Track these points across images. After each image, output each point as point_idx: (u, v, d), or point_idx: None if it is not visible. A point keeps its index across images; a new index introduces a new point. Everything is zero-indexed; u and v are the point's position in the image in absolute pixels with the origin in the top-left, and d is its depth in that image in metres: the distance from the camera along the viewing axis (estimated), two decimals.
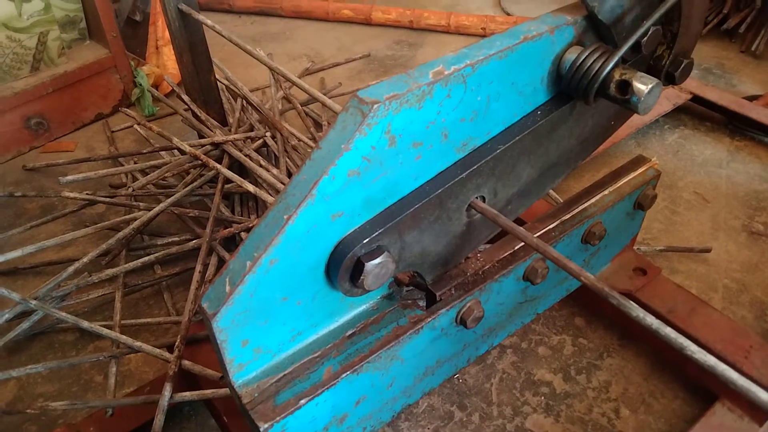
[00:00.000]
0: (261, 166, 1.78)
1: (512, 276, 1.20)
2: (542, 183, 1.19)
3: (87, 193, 1.89)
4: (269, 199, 1.64)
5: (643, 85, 0.93)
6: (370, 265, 0.91)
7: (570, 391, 1.47)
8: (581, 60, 0.97)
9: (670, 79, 1.16)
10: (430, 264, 1.08)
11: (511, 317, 1.32)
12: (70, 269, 1.63)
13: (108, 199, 1.89)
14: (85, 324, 1.47)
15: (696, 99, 2.36)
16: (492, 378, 1.51)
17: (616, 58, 0.95)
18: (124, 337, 1.46)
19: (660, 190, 2.05)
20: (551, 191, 1.83)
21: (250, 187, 1.65)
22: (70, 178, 1.75)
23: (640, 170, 1.41)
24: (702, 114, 2.42)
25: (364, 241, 0.91)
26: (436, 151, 0.95)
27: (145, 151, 2.06)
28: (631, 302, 0.82)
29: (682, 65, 1.13)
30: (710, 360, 0.75)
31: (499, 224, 1.00)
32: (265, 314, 0.90)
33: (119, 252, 1.79)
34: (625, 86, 0.95)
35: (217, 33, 1.68)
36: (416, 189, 0.97)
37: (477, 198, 1.05)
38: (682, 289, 1.50)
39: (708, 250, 1.81)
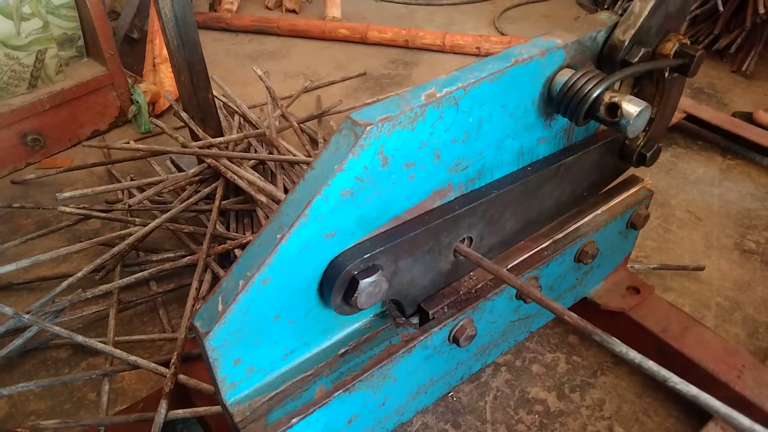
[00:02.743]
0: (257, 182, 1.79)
1: (505, 295, 1.21)
2: (519, 237, 1.24)
3: (83, 207, 1.90)
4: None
5: (632, 108, 0.95)
6: (365, 282, 0.92)
7: (564, 409, 1.47)
8: (572, 82, 0.99)
9: (641, 160, 1.22)
10: (413, 297, 1.09)
11: (504, 335, 1.33)
12: (64, 284, 1.63)
13: (103, 214, 1.90)
14: (80, 338, 1.47)
15: (690, 118, 2.39)
16: (486, 396, 1.51)
17: (609, 82, 0.97)
18: (118, 351, 1.46)
19: (653, 208, 2.06)
20: None
21: (263, 198, 1.67)
22: (67, 194, 1.75)
23: (632, 190, 1.42)
24: (694, 133, 2.44)
25: (363, 257, 0.92)
26: (428, 171, 0.96)
27: (140, 155, 2.06)
28: (614, 338, 0.83)
29: (654, 148, 1.19)
30: (692, 390, 0.76)
31: (483, 267, 1.02)
32: (258, 333, 0.90)
33: (113, 267, 1.79)
34: (615, 109, 0.96)
35: None
36: (416, 217, 1.00)
37: (466, 238, 1.08)
38: (675, 307, 1.51)
39: (701, 269, 1.82)
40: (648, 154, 1.23)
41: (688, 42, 1.13)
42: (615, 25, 1.08)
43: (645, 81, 1.22)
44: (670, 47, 1.12)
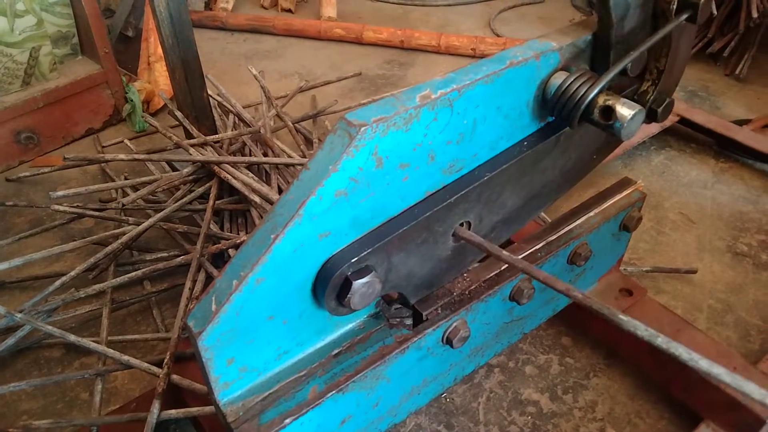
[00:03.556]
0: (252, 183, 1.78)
1: (498, 296, 1.21)
2: (525, 212, 1.21)
3: (77, 205, 1.89)
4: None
5: (626, 111, 0.95)
6: (358, 284, 0.92)
7: (557, 410, 1.48)
8: (566, 85, 0.99)
9: (652, 115, 1.19)
10: (415, 286, 1.09)
11: (497, 337, 1.33)
12: (57, 283, 1.63)
13: (97, 213, 1.89)
14: (72, 338, 1.46)
15: (683, 121, 2.40)
16: (479, 397, 1.51)
17: (601, 84, 0.97)
18: (111, 350, 1.45)
19: (646, 211, 2.07)
20: None
21: (256, 198, 1.67)
22: (60, 193, 1.75)
23: (625, 192, 1.43)
24: (688, 135, 2.45)
25: (352, 260, 0.92)
26: (423, 173, 0.96)
27: (138, 158, 2.06)
28: (623, 314, 0.81)
29: (665, 103, 1.16)
30: (703, 364, 0.75)
31: (484, 249, 1.01)
32: (251, 333, 0.90)
33: (107, 267, 1.79)
34: (609, 112, 0.97)
35: None
36: (405, 211, 0.99)
37: (463, 223, 1.06)
38: (667, 310, 1.52)
39: (694, 272, 1.83)
40: (659, 110, 1.17)
41: None
42: None
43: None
44: None
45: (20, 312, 1.55)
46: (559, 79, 1.01)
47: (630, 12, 1.04)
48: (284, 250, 0.85)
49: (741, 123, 2.44)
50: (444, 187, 1.03)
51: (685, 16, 1.05)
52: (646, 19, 1.09)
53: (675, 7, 1.06)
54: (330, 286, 0.91)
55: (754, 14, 2.75)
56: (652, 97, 1.18)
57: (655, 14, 1.10)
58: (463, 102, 0.93)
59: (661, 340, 0.78)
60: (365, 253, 0.93)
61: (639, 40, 1.08)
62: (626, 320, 0.81)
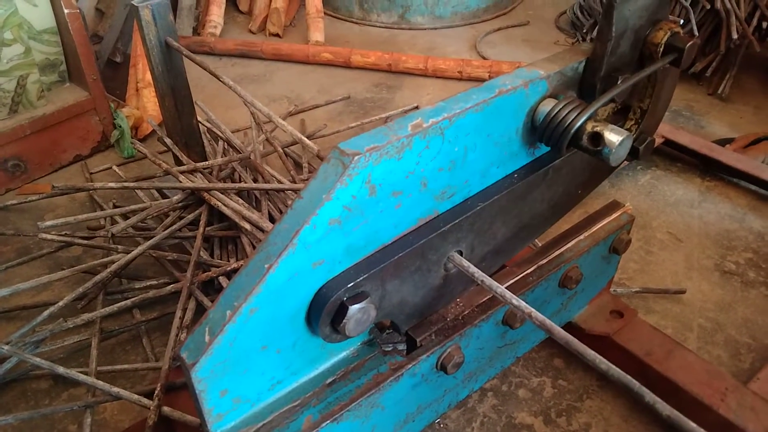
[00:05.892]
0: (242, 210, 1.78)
1: (491, 321, 1.22)
2: (514, 243, 1.23)
3: (65, 234, 1.87)
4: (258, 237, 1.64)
5: (614, 137, 0.96)
6: (354, 308, 0.92)
7: None
8: (555, 112, 1.01)
9: (634, 153, 1.23)
10: (407, 315, 1.09)
11: (491, 361, 1.33)
12: (45, 313, 1.61)
13: (85, 241, 1.88)
14: (61, 369, 1.44)
15: (668, 142, 2.44)
16: (473, 422, 1.50)
17: (590, 111, 0.99)
18: (100, 382, 1.43)
19: (634, 231, 2.09)
20: None
21: (247, 225, 1.67)
22: (48, 223, 1.73)
23: (614, 215, 1.44)
24: (673, 155, 2.49)
25: (348, 286, 0.92)
26: (415, 200, 0.97)
27: (129, 186, 2.05)
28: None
29: (646, 142, 1.20)
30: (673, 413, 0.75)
31: (476, 279, 1.02)
32: (245, 363, 0.89)
33: (96, 296, 1.77)
34: (597, 138, 0.98)
35: (210, 73, 1.70)
36: (400, 238, 0.99)
37: (456, 252, 1.07)
38: (658, 331, 1.52)
39: (683, 292, 1.84)
40: (641, 148, 1.21)
41: (680, 31, 1.11)
42: None
43: None
44: (661, 36, 1.10)
45: (7, 344, 1.53)
46: (547, 106, 1.03)
47: (624, 39, 1.07)
48: (278, 280, 0.84)
49: (724, 142, 2.48)
50: (438, 216, 1.04)
51: (670, 59, 1.10)
52: (634, 56, 1.12)
53: (662, 50, 1.11)
54: (325, 313, 0.91)
55: (734, 35, 2.81)
56: (634, 136, 1.22)
57: (642, 56, 1.14)
58: (454, 130, 0.94)
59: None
60: (361, 278, 0.93)
61: (625, 74, 1.11)
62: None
